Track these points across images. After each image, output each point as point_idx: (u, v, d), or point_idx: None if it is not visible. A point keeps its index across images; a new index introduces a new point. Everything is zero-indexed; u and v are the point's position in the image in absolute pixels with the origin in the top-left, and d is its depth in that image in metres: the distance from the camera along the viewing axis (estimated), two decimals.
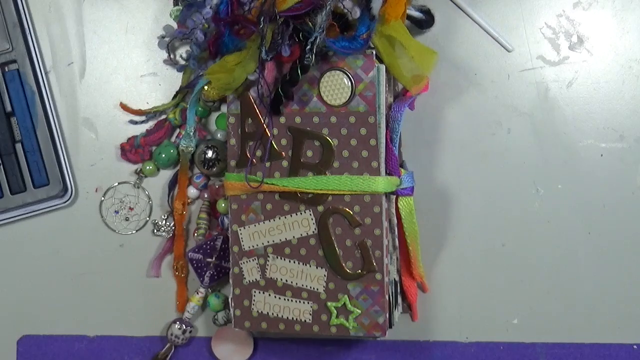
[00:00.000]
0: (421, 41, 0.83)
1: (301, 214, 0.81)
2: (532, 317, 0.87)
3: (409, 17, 0.82)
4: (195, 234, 0.88)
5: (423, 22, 0.84)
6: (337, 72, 0.78)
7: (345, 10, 0.75)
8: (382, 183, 0.78)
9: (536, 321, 0.87)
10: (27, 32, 0.88)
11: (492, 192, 0.86)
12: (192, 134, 0.86)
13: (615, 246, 0.86)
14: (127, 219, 0.89)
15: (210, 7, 0.78)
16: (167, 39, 0.86)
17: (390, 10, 0.76)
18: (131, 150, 0.88)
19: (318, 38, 0.73)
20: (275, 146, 0.80)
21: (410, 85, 0.80)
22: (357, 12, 0.75)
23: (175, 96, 0.88)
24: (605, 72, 0.86)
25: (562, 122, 0.86)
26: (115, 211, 0.89)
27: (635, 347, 0.86)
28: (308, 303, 0.81)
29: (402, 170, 0.82)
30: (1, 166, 0.88)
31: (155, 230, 0.89)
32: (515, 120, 0.86)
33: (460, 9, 0.86)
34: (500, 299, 0.86)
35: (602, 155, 0.86)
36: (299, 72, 0.75)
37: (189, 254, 0.87)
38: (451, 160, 0.86)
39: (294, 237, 0.81)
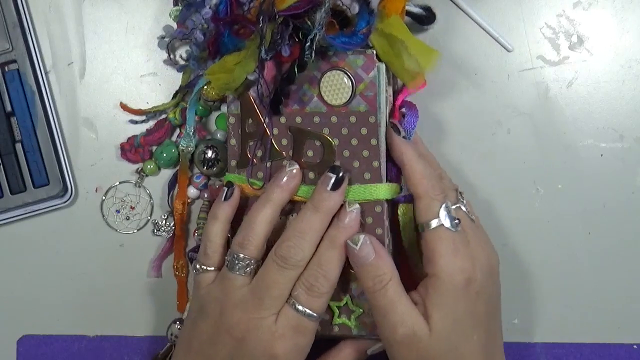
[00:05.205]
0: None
1: None
2: (532, 317, 0.86)
3: (409, 14, 0.82)
4: (195, 234, 0.87)
5: (424, 17, 0.83)
6: (338, 72, 0.78)
7: (344, 7, 0.75)
8: (383, 190, 0.77)
9: (536, 321, 0.86)
10: (27, 32, 0.88)
11: (492, 192, 0.86)
12: (192, 133, 0.86)
13: (615, 246, 0.86)
14: (128, 218, 0.89)
15: (210, 7, 0.78)
16: (167, 39, 0.86)
17: (389, 5, 0.76)
18: (131, 149, 0.88)
19: (317, 35, 0.73)
20: (275, 146, 0.80)
21: (408, 81, 0.79)
22: (355, 8, 0.75)
23: (174, 96, 0.88)
24: (605, 72, 0.86)
25: (562, 122, 0.86)
26: (117, 210, 0.89)
27: (635, 347, 0.86)
28: None
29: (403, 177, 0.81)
30: (1, 166, 0.88)
31: (155, 230, 0.89)
32: (515, 120, 0.86)
33: (460, 8, 0.86)
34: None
35: (602, 155, 0.86)
36: (296, 70, 0.75)
37: (189, 254, 0.87)
38: (451, 160, 0.86)
39: None
